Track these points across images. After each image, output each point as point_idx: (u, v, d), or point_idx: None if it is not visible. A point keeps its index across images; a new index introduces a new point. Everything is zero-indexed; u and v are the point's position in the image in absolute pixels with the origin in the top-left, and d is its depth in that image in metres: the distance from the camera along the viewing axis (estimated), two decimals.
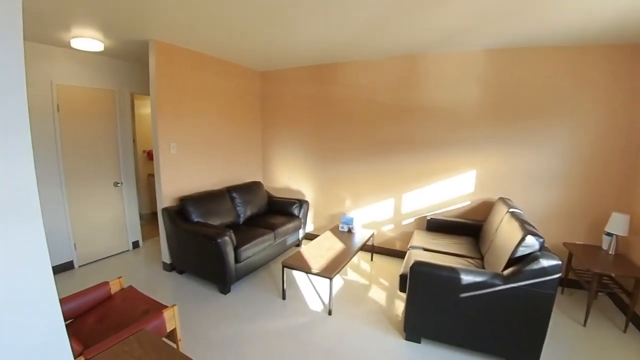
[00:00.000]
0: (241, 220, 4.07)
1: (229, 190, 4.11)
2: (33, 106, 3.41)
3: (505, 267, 2.19)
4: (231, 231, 3.17)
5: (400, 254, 4.06)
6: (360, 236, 3.73)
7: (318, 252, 3.21)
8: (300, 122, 4.64)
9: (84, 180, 3.90)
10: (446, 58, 3.61)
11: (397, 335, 2.57)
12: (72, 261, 3.87)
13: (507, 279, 2.07)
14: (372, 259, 4.09)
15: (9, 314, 1.10)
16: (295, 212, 4.27)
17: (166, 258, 3.72)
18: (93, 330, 1.94)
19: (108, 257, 4.21)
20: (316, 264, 2.91)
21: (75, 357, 1.51)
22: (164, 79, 3.46)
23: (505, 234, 2.47)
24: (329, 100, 4.35)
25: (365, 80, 4.06)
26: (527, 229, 2.20)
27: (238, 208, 4.08)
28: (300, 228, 4.26)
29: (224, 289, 3.19)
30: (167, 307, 2.04)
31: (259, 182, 4.66)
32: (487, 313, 2.15)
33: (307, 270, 2.85)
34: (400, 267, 2.81)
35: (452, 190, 3.81)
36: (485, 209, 3.64)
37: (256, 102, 4.90)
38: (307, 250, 3.28)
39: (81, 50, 3.58)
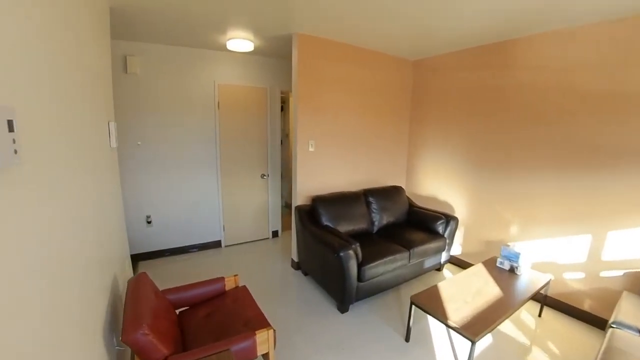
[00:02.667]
0: (375, 228, 3.62)
1: (366, 194, 3.71)
2: (201, 104, 3.89)
3: None
4: (357, 244, 2.75)
5: (588, 318, 2.74)
6: (529, 280, 2.68)
7: (462, 293, 2.42)
8: (457, 118, 3.76)
9: (235, 170, 4.27)
10: None
11: None
12: (220, 240, 4.34)
13: None
14: (540, 314, 2.89)
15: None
16: (440, 229, 3.50)
17: (294, 256, 3.67)
18: (199, 325, 1.99)
19: (249, 242, 4.55)
20: (456, 313, 2.16)
21: None
22: (305, 73, 3.31)
23: None
24: (497, 90, 3.30)
25: (557, 59, 2.83)
26: None
27: (373, 214, 3.64)
28: (443, 250, 3.47)
29: (342, 307, 2.83)
30: (263, 328, 1.80)
31: (400, 188, 4.07)
32: None
33: (442, 318, 2.14)
34: (585, 336, 1.78)
35: None
36: None
37: (405, 96, 4.28)
38: (448, 286, 2.53)
39: (236, 52, 3.87)
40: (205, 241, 4.24)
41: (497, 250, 3.19)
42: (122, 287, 2.24)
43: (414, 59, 4.15)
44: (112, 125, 2.38)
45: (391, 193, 3.89)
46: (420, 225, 3.65)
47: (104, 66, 2.35)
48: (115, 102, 3.44)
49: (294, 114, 3.43)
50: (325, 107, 3.52)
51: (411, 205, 3.97)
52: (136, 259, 3.82)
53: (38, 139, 0.98)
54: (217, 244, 4.33)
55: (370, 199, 3.67)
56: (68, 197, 1.25)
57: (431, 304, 2.28)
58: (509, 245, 2.96)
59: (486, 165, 3.47)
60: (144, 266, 3.75)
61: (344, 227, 3.30)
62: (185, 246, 4.13)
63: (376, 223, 3.63)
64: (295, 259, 3.64)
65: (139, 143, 3.66)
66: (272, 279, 3.50)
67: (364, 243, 2.96)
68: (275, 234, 4.76)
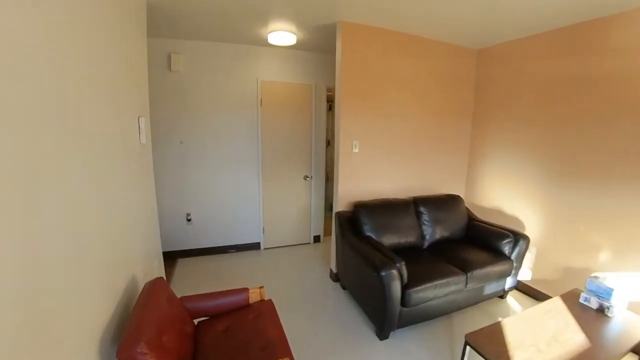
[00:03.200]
0: (425, 243, 3.16)
1: (416, 203, 3.26)
2: (243, 101, 3.76)
3: None
4: (402, 263, 2.35)
5: None
6: (625, 326, 2.03)
7: (534, 336, 1.90)
8: (531, 116, 3.12)
9: (277, 171, 4.08)
10: None
11: None
12: (259, 242, 4.18)
13: None
14: None
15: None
16: (506, 249, 2.92)
17: (333, 266, 3.36)
18: (214, 342, 1.80)
19: (289, 246, 4.34)
20: None
21: None
22: (350, 65, 2.99)
23: None
24: (585, 81, 2.63)
25: None
26: None
27: (424, 227, 3.18)
28: (509, 274, 2.89)
29: (381, 333, 2.44)
30: (282, 359, 1.51)
31: (458, 197, 3.53)
32: None
33: None
34: None
35: None
36: None
37: (467, 90, 3.72)
38: (515, 325, 2.02)
39: (279, 46, 3.68)
40: (244, 242, 4.12)
41: (579, 280, 2.53)
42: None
43: (479, 47, 3.59)
44: (143, 120, 2.28)
45: (447, 203, 3.38)
46: (482, 242, 3.10)
47: (138, 61, 2.26)
48: (159, 100, 3.48)
49: (336, 111, 3.13)
50: (372, 104, 3.16)
51: (471, 219, 3.42)
52: (175, 255, 3.81)
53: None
54: (256, 246, 4.18)
55: (421, 209, 3.22)
56: (59, 195, 1.09)
57: (492, 347, 1.80)
58: (597, 277, 2.32)
59: (569, 173, 2.82)
60: (182, 264, 3.73)
61: (388, 240, 2.90)
62: (224, 246, 4.04)
63: (427, 237, 3.16)
64: (334, 270, 3.33)
65: (181, 141, 3.63)
66: (307, 290, 3.22)
67: (411, 260, 2.54)
68: (316, 239, 4.49)
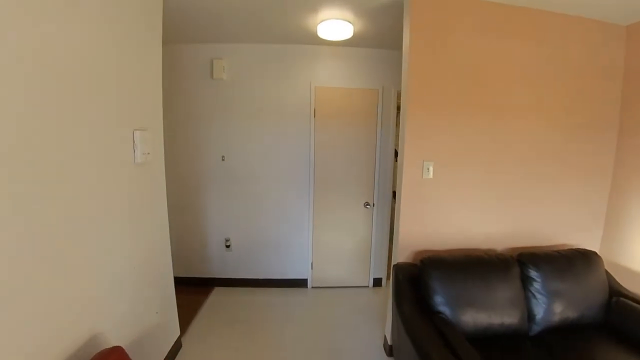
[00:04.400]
0: (534, 328, 2.00)
1: (523, 261, 2.12)
2: (293, 111, 3.17)
3: None
4: None
5: None
6: None
7: None
8: None
9: (332, 195, 3.34)
10: None
11: None
12: (306, 280, 3.47)
13: None
14: None
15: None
16: None
17: (388, 333, 2.44)
18: None
19: (342, 287, 3.52)
20: None
21: None
22: (421, 55, 2.09)
23: None
24: None
25: None
26: None
27: (534, 302, 2.03)
28: None
29: None
30: None
31: (593, 255, 2.21)
32: None
33: None
34: None
35: None
36: None
37: (611, 87, 2.36)
38: None
39: (336, 43, 2.97)
40: (288, 277, 3.47)
41: None
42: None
43: (629, 22, 2.28)
44: (139, 135, 1.80)
45: (573, 264, 2.15)
46: (635, 336, 1.83)
47: (145, 66, 1.89)
48: (200, 111, 3.11)
49: (401, 119, 2.24)
50: (455, 109, 2.18)
51: (614, 292, 2.12)
52: (211, 283, 3.38)
53: None
54: (302, 283, 3.49)
55: (531, 272, 2.08)
56: None
57: None
58: None
59: None
60: (217, 293, 3.29)
61: (472, 319, 1.89)
62: (266, 279, 3.45)
63: (538, 319, 2.01)
64: (389, 340, 2.41)
65: (223, 157, 3.19)
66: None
67: None
68: (377, 282, 3.58)
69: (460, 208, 2.29)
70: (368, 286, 3.55)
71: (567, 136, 2.34)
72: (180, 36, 2.81)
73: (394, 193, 4.97)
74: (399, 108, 3.36)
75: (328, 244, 3.43)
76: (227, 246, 3.35)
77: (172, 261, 2.30)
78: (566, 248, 2.33)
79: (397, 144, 3.92)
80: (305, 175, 3.28)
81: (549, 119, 2.30)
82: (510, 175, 2.32)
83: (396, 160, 3.96)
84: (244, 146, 3.20)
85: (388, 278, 3.60)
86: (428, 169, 2.20)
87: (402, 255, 2.26)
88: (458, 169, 2.24)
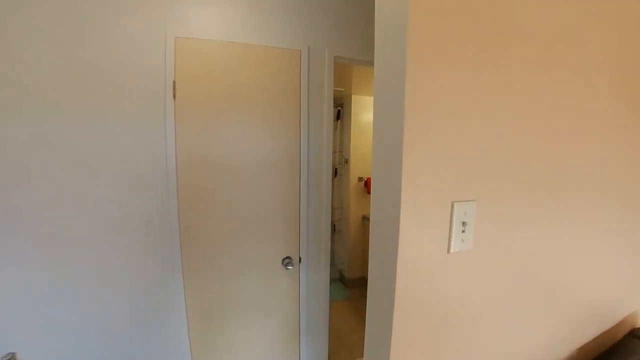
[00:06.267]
0: None
1: None
2: (128, 93, 1.47)
3: None
4: None
5: None
6: None
7: None
8: None
9: (220, 257, 1.71)
10: None
11: None
12: None
13: None
14: None
15: None
16: None
17: None
18: None
19: None
20: None
21: None
22: None
23: None
24: None
25: None
26: None
27: None
28: None
29: None
30: None
31: None
32: None
33: None
34: None
35: None
36: None
37: None
38: None
39: None
40: None
41: None
42: None
43: None
44: None
45: None
46: None
47: None
48: None
49: (383, 95, 0.76)
50: (506, 85, 0.79)
51: None
52: None
53: None
54: None
55: None
56: None
57: None
58: None
59: None
60: None
61: None
62: None
63: None
64: None
65: None
66: None
67: None
68: None
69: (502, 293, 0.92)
70: None
71: None
72: None
73: (334, 227, 3.61)
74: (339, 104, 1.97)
75: (219, 341, 1.78)
76: None
77: None
78: None
79: (337, 152, 2.66)
80: (157, 223, 1.59)
81: None
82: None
83: (335, 176, 2.73)
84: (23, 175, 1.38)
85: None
86: (463, 224, 0.76)
87: None
88: (500, 213, 0.85)
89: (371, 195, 0.80)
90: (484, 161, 0.76)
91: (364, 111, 3.40)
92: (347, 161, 3.47)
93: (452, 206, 0.74)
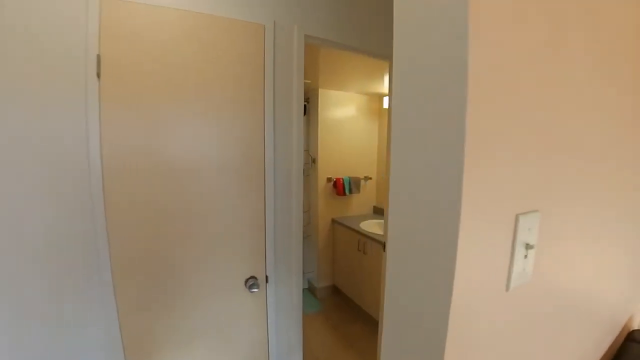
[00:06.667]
0: None
1: None
2: (28, 70, 1.02)
3: None
4: None
5: None
6: None
7: None
8: None
9: (160, 283, 1.35)
10: None
11: None
12: None
13: None
14: None
15: None
16: None
17: None
18: None
19: None
20: None
21: None
22: None
23: None
24: None
25: None
26: None
27: None
28: None
29: None
30: None
31: None
32: None
33: None
34: None
35: None
36: None
37: None
38: None
39: None
40: None
41: None
42: None
43: None
44: None
45: None
46: None
47: None
48: None
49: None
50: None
51: None
52: None
53: None
54: None
55: None
56: None
57: None
58: None
59: None
60: None
61: None
62: None
63: None
64: None
65: None
66: None
67: None
68: None
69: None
70: None
71: None
72: None
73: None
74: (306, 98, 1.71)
75: None
76: None
77: None
78: None
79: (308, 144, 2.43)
80: (79, 244, 1.19)
81: None
82: None
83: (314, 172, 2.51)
84: None
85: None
86: (527, 247, 0.52)
87: None
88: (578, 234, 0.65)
89: (393, 213, 0.53)
90: (550, 168, 0.53)
91: (331, 106, 3.15)
92: (314, 161, 3.20)
93: (515, 222, 0.50)
